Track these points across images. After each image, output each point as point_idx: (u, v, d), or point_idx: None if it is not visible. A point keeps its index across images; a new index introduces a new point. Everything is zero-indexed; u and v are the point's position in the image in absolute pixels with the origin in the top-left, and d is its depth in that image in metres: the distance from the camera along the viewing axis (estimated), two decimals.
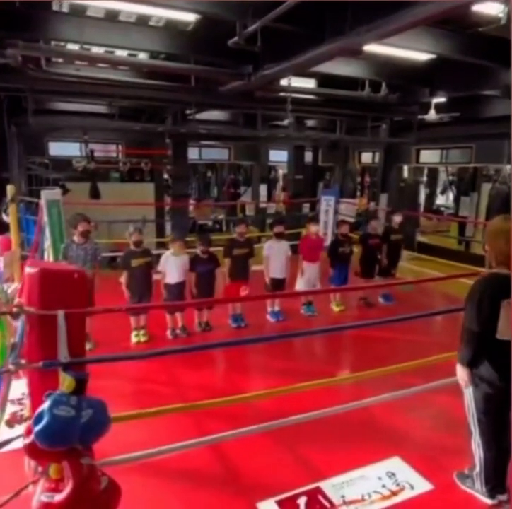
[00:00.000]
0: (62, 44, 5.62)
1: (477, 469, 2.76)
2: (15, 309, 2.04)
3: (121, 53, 6.07)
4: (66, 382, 1.97)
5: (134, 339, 5.29)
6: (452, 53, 5.51)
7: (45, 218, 5.46)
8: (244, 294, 5.66)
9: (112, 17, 5.19)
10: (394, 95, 7.87)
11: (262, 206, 13.02)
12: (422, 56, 5.91)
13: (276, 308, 6.21)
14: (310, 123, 11.40)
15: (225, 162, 13.96)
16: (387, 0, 3.74)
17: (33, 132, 9.02)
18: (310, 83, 7.60)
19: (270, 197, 14.53)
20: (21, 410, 3.32)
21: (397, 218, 7.01)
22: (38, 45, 5.04)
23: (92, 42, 5.31)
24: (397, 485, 2.95)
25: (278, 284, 5.99)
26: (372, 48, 5.11)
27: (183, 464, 3.08)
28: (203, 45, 5.50)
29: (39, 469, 2.22)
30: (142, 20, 5.33)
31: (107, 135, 10.41)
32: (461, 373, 2.67)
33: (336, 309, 6.59)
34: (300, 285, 6.30)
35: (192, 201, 13.75)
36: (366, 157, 13.84)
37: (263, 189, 13.21)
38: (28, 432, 1.98)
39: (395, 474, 3.04)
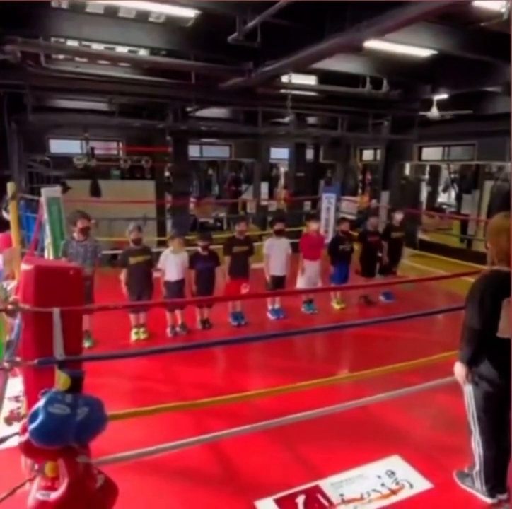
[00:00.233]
0: (62, 40, 5.60)
1: (477, 467, 2.74)
2: (10, 307, 2.02)
3: (121, 49, 6.05)
4: (61, 379, 1.95)
5: (133, 337, 5.28)
6: (454, 49, 5.47)
7: (45, 216, 5.46)
8: (244, 292, 5.65)
9: (111, 13, 5.17)
10: (395, 91, 7.83)
11: (263, 204, 12.98)
12: (423, 53, 5.87)
13: (277, 306, 6.19)
14: (311, 120, 11.35)
15: (226, 159, 13.92)
16: None
17: (34, 130, 9.02)
18: (311, 80, 7.57)
19: (271, 195, 14.50)
20: (18, 408, 3.31)
21: (398, 216, 6.98)
22: (37, 41, 5.02)
23: (92, 38, 5.30)
24: (397, 484, 2.93)
25: (278, 282, 5.97)
26: (373, 44, 5.08)
27: (181, 462, 3.07)
28: (203, 41, 5.47)
29: (36, 467, 2.21)
30: (142, 17, 5.31)
31: (107, 132, 10.40)
32: (459, 371, 2.66)
33: (336, 307, 6.57)
34: (300, 283, 6.28)
35: (192, 199, 13.73)
36: (368, 154, 13.80)
37: (264, 186, 13.16)
38: (24, 430, 1.97)
39: (395, 473, 3.02)
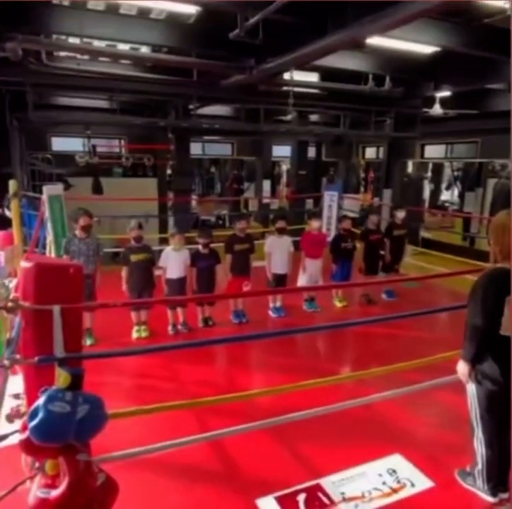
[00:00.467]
0: (63, 37, 5.59)
1: (479, 466, 2.73)
2: (10, 304, 2.02)
3: (123, 47, 6.04)
4: (61, 377, 1.94)
5: (134, 335, 5.28)
6: (457, 45, 5.43)
7: (47, 213, 5.46)
8: (246, 290, 5.64)
9: (113, 10, 5.16)
10: (398, 89, 7.79)
11: (265, 202, 12.96)
12: (426, 49, 5.83)
13: (278, 304, 6.18)
14: (313, 118, 11.32)
15: (228, 157, 13.90)
16: None
17: (36, 127, 9.02)
18: (313, 77, 7.53)
19: (274, 193, 14.48)
20: (18, 406, 3.31)
21: (400, 214, 6.95)
22: (37, 38, 5.00)
23: (93, 35, 5.26)
24: (398, 482, 2.92)
25: (280, 280, 5.96)
26: (375, 41, 5.05)
27: (182, 460, 3.07)
28: (204, 38, 5.45)
29: (36, 464, 2.21)
30: (143, 13, 5.29)
31: (109, 130, 10.40)
32: (462, 369, 2.64)
33: (338, 305, 6.56)
34: (302, 281, 6.26)
35: (194, 197, 13.72)
36: (370, 152, 13.76)
37: (266, 184, 13.13)
38: (24, 428, 1.97)
39: (396, 471, 3.01)
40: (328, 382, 3.50)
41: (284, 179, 16.00)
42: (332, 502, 2.74)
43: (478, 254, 7.74)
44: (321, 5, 4.40)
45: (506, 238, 2.50)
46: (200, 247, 5.50)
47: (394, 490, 2.85)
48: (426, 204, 13.35)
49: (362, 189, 14.52)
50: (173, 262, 5.33)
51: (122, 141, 10.99)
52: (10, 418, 3.26)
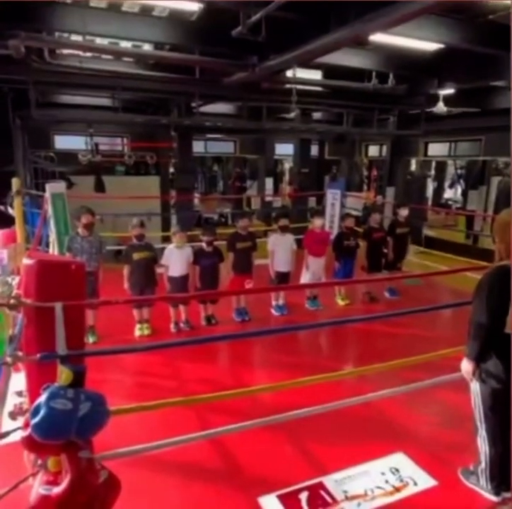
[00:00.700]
0: (66, 35, 5.58)
1: (482, 465, 2.72)
2: (12, 301, 2.02)
3: (125, 44, 6.03)
4: (63, 374, 1.94)
5: (137, 332, 5.28)
6: (461, 42, 5.38)
7: (50, 211, 5.47)
8: (248, 288, 5.64)
9: (115, 7, 5.14)
10: (401, 86, 7.75)
11: (267, 200, 12.94)
12: (430, 46, 5.79)
13: (281, 302, 6.17)
14: (316, 116, 11.28)
15: (231, 155, 13.88)
16: None
17: (38, 125, 9.02)
18: (316, 75, 7.49)
19: (276, 191, 14.45)
20: (20, 403, 3.32)
21: (403, 212, 6.93)
22: (40, 36, 5.00)
23: (96, 33, 5.26)
24: (401, 481, 2.91)
25: (283, 278, 5.95)
26: (379, 38, 5.03)
27: (184, 457, 3.07)
28: (207, 36, 5.43)
29: (38, 461, 2.21)
30: (146, 11, 5.28)
31: (112, 128, 10.39)
32: (466, 367, 2.63)
33: (341, 303, 6.55)
34: (304, 279, 6.25)
35: (197, 195, 13.71)
36: (373, 150, 13.70)
37: (269, 182, 13.10)
38: (26, 425, 1.97)
39: (399, 470, 3.00)
40: (329, 378, 3.49)
41: (287, 177, 15.97)
42: (335, 500, 2.74)
43: (481, 252, 7.71)
44: (323, 2, 4.38)
45: (510, 236, 2.49)
46: (204, 244, 5.50)
47: (397, 489, 2.84)
48: (429, 202, 13.31)
49: (365, 187, 14.48)
50: (176, 260, 5.33)
51: (125, 139, 10.99)
52: (13, 416, 3.25)
